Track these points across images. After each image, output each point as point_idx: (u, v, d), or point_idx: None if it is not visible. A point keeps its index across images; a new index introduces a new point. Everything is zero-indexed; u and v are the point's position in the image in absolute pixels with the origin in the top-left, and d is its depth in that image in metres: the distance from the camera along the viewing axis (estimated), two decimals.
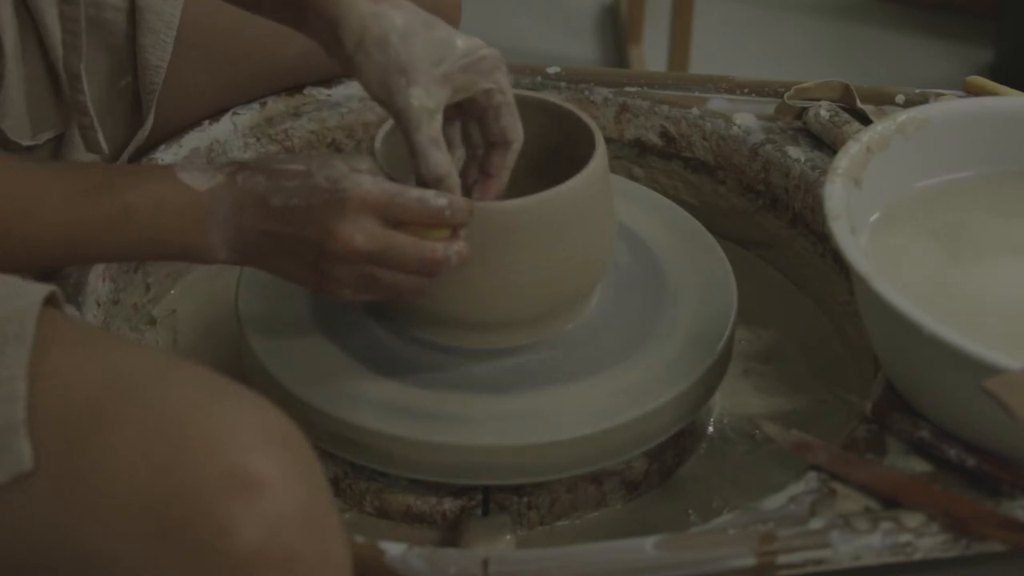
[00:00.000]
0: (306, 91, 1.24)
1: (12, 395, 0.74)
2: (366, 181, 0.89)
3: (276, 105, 1.23)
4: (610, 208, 1.03)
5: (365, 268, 0.90)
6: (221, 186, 0.90)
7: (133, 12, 1.12)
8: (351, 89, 1.25)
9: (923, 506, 0.87)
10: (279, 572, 0.71)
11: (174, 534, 0.71)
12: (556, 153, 1.06)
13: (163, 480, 0.71)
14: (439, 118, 0.92)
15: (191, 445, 0.72)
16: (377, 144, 1.00)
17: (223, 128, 1.20)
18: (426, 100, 0.92)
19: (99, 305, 1.07)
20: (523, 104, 1.06)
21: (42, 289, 0.80)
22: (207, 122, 1.20)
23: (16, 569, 0.75)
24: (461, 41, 0.94)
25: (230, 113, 1.21)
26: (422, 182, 0.93)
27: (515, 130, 0.97)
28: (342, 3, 0.92)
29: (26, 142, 1.05)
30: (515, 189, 1.08)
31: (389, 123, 1.02)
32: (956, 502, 0.87)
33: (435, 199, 0.91)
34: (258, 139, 1.22)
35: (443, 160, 0.92)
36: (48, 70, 1.06)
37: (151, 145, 1.17)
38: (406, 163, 1.02)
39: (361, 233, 0.89)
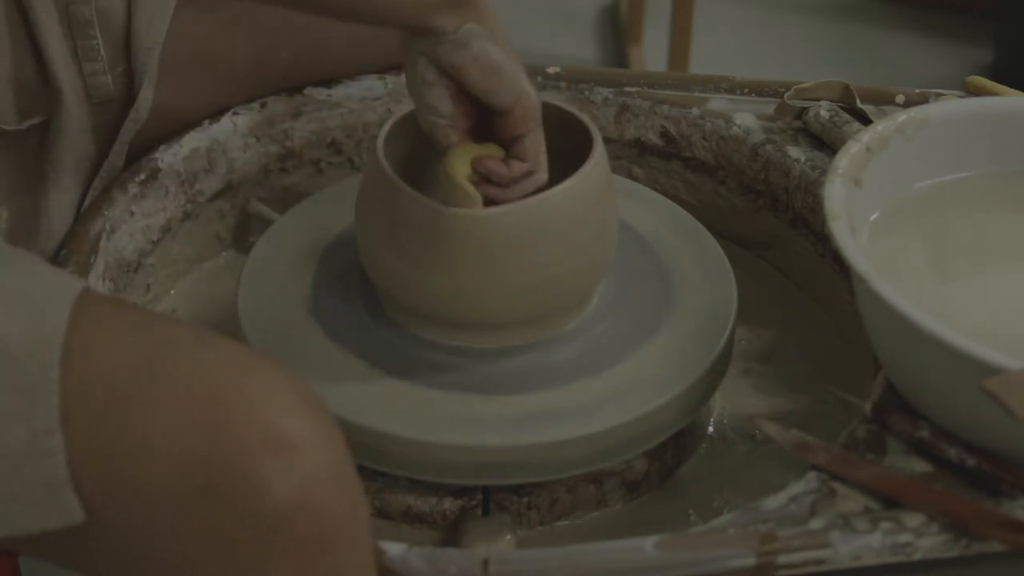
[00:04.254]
0: (306, 91, 1.24)
1: (52, 450, 0.75)
2: None
3: (276, 105, 1.23)
4: (611, 210, 1.02)
5: None
6: None
7: (130, 3, 1.12)
8: (351, 89, 1.25)
9: (924, 506, 0.87)
10: (312, 526, 0.75)
11: (214, 492, 0.74)
12: (558, 155, 1.06)
13: (205, 441, 0.74)
14: None
15: (231, 407, 0.75)
16: (380, 142, 1.00)
17: (223, 128, 1.20)
18: None
19: None
20: None
21: (63, 303, 0.79)
22: (207, 122, 1.20)
23: (58, 535, 0.77)
24: None
25: (230, 113, 1.21)
26: None
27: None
28: None
29: (10, 127, 1.05)
30: None
31: (391, 122, 1.02)
32: (956, 502, 0.87)
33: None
34: (258, 139, 1.22)
35: None
36: (36, 57, 1.06)
37: (151, 146, 1.17)
38: (409, 164, 1.03)
39: None
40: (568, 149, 1.04)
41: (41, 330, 0.77)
